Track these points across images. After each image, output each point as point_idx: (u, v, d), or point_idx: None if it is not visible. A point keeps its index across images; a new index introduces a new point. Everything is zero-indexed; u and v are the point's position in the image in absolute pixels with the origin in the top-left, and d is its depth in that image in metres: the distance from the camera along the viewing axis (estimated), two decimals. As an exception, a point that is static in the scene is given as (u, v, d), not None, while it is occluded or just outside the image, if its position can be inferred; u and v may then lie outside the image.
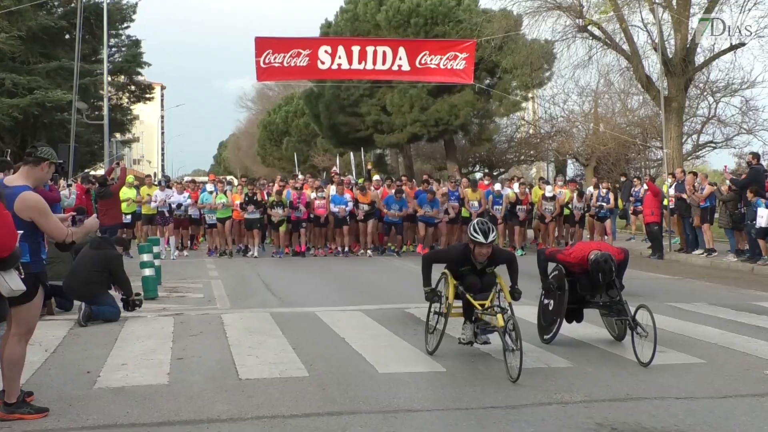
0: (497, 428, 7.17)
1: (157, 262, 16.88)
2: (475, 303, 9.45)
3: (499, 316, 9.01)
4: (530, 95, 47.25)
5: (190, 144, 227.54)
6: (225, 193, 25.47)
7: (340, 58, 24.99)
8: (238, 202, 25.03)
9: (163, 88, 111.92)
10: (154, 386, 8.54)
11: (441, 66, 25.53)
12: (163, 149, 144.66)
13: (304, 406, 7.81)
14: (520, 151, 50.68)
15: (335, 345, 10.75)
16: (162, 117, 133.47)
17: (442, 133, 43.81)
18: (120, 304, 13.09)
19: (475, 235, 9.39)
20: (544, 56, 37.59)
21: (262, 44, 24.89)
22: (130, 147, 76.68)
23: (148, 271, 15.59)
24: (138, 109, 53.30)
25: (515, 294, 9.66)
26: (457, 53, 25.52)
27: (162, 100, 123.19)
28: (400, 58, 25.19)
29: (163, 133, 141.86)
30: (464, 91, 41.01)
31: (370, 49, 25.17)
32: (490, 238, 9.43)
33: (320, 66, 25.17)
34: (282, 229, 24.72)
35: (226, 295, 16.01)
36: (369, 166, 39.92)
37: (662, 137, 28.60)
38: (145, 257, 15.83)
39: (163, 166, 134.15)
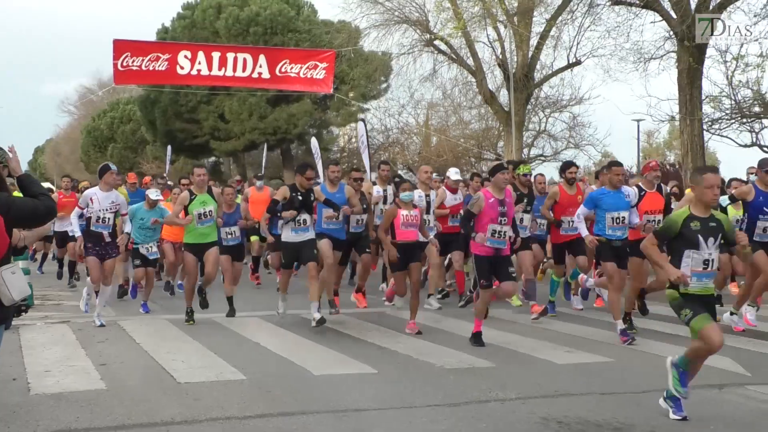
0: (450, 423, 7.45)
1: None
2: None
3: None
4: (366, 106, 47.99)
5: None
6: (210, 194, 13.21)
7: (200, 63, 24.73)
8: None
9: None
10: (94, 391, 8.42)
11: (301, 75, 25.63)
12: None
13: (254, 407, 7.89)
14: (351, 162, 51.30)
15: (255, 349, 10.85)
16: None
17: (280, 141, 43.96)
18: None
19: None
20: (383, 69, 38.37)
21: (121, 47, 24.35)
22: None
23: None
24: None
25: None
26: (318, 63, 25.72)
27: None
28: (261, 66, 25.17)
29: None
30: (302, 101, 41.40)
31: (230, 56, 25.03)
32: None
33: (179, 71, 24.82)
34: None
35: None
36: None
37: (496, 150, 29.53)
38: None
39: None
